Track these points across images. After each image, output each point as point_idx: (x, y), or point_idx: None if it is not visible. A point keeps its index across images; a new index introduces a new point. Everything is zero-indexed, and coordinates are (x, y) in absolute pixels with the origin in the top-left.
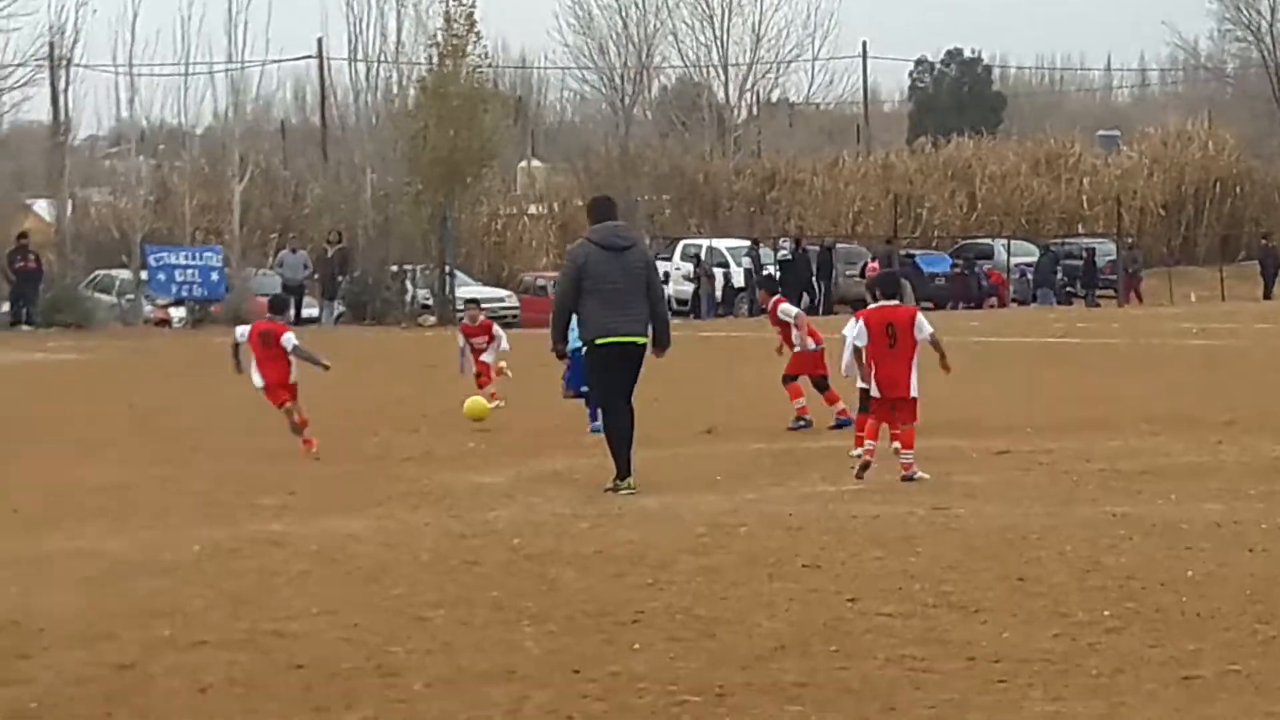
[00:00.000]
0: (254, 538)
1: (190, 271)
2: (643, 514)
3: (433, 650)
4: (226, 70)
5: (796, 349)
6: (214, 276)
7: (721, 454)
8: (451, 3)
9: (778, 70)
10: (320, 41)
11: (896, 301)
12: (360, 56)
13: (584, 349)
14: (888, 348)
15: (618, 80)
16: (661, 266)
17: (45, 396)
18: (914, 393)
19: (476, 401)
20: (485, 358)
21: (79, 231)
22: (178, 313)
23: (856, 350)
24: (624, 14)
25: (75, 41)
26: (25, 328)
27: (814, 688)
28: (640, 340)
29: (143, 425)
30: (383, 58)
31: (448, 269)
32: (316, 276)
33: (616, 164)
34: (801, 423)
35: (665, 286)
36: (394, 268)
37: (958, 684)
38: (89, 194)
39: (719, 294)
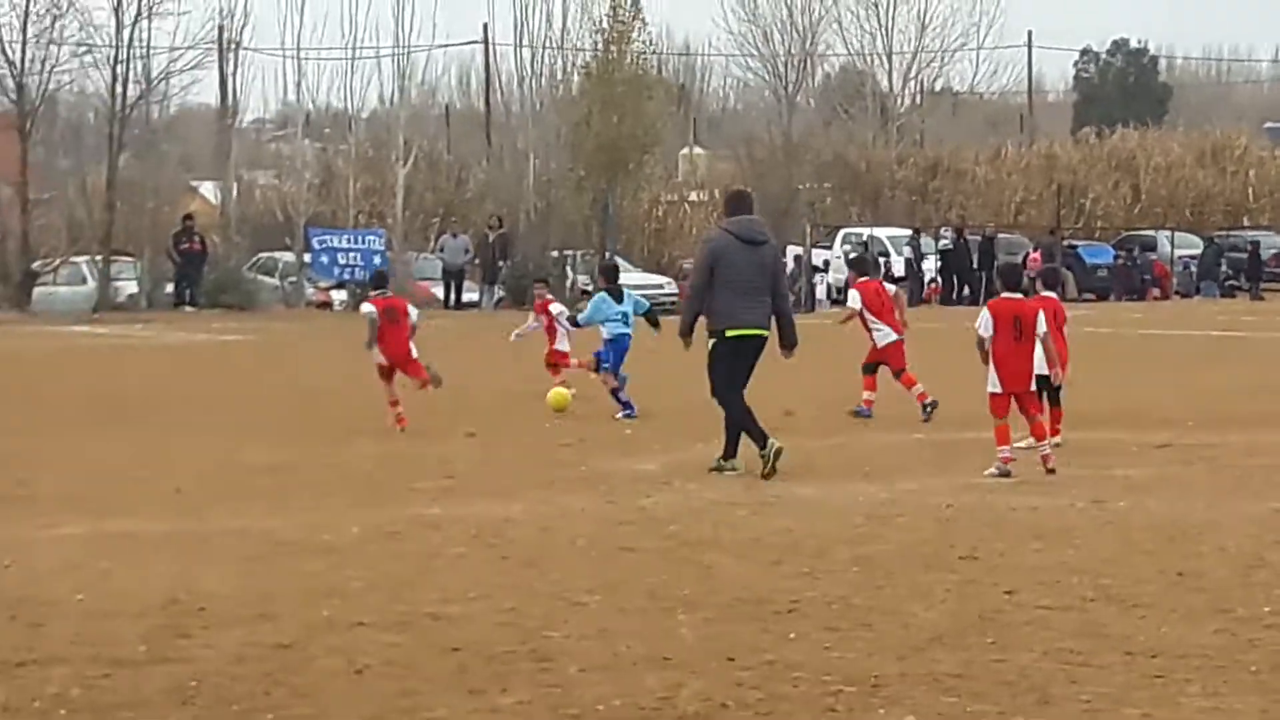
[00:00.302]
0: (413, 520)
1: (353, 255)
2: (799, 503)
3: (588, 636)
4: (393, 54)
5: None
6: (376, 260)
7: (880, 444)
8: None
9: (942, 59)
10: (486, 27)
11: (1020, 295)
12: (526, 42)
13: (710, 339)
14: (1014, 340)
15: (781, 68)
16: (821, 255)
17: (208, 377)
18: (1034, 386)
19: (558, 393)
20: (560, 345)
21: (244, 214)
22: (339, 295)
23: (980, 340)
24: (789, 1)
25: (244, 25)
26: (189, 309)
27: (969, 679)
28: (764, 333)
29: (304, 407)
30: (548, 43)
31: (608, 255)
32: (477, 261)
33: (779, 152)
34: (862, 411)
35: (825, 275)
36: (554, 253)
37: (1114, 678)
38: (254, 177)
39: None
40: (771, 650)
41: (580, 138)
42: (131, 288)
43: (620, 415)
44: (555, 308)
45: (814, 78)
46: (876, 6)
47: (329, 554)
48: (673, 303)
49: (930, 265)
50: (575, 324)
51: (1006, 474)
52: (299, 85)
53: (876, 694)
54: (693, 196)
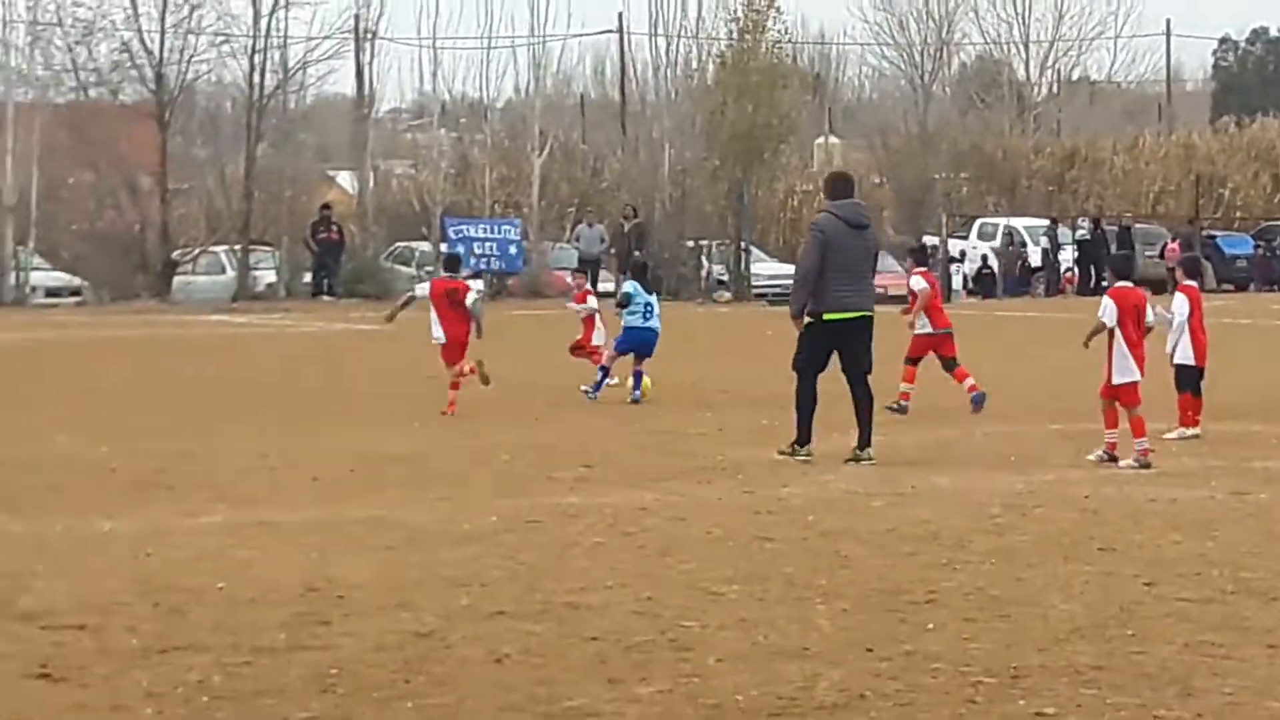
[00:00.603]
0: (550, 509)
1: (489, 244)
2: (937, 493)
3: (726, 625)
4: (528, 44)
5: (916, 330)
6: (512, 250)
7: (1017, 434)
8: None
9: (1079, 48)
10: (621, 16)
11: (1133, 284)
12: (661, 31)
13: (808, 321)
14: (1136, 328)
15: (917, 57)
16: (957, 244)
17: (345, 367)
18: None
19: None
20: (596, 339)
21: (380, 203)
22: (475, 285)
23: (1102, 326)
24: None
25: (380, 15)
26: (327, 298)
27: (1110, 671)
28: (868, 313)
29: (440, 395)
30: (683, 33)
31: (744, 245)
32: (613, 251)
33: (914, 141)
34: (896, 407)
35: (961, 265)
36: (690, 243)
37: (1257, 671)
38: (390, 166)
39: (1016, 272)
40: (910, 641)
41: (715, 127)
42: (270, 277)
43: (585, 389)
44: (593, 301)
45: (950, 67)
46: None
47: (467, 543)
48: None
49: (1067, 255)
50: (621, 305)
51: (1147, 465)
52: (435, 75)
53: (1016, 685)
54: None
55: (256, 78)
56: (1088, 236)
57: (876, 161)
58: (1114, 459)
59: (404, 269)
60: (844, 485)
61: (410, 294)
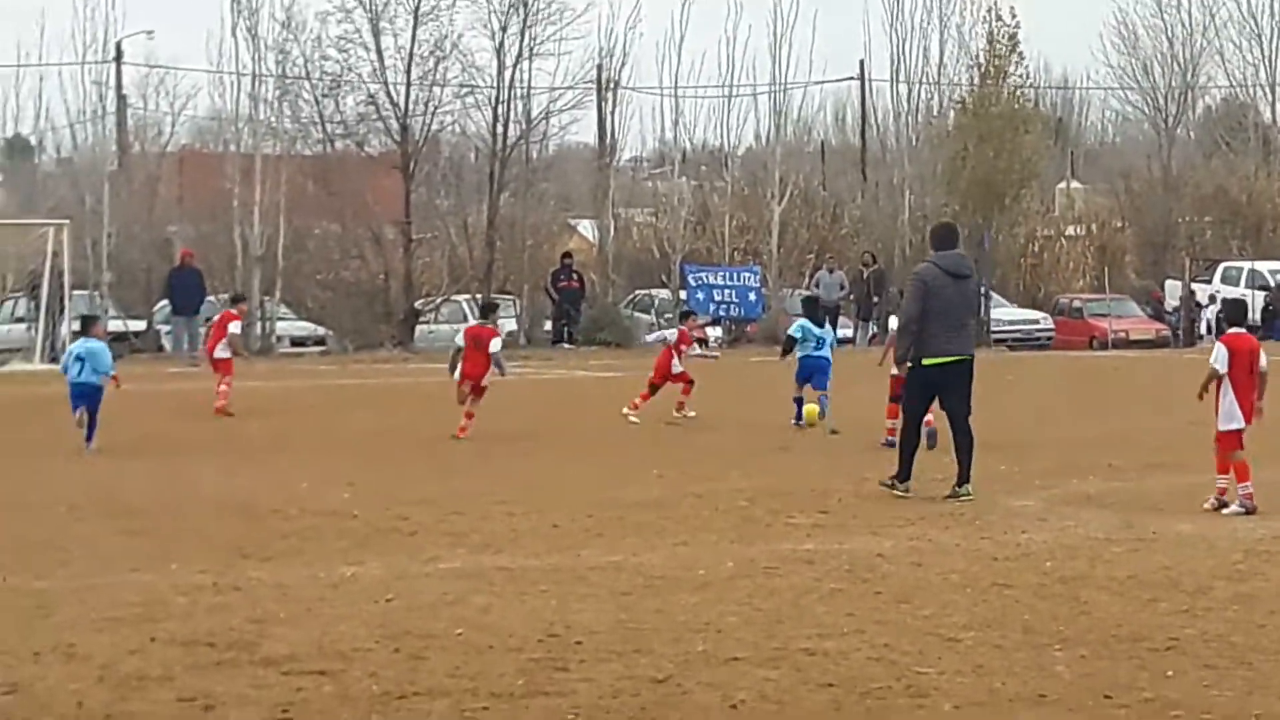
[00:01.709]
0: (786, 555)
1: (728, 291)
2: (1177, 540)
3: (963, 672)
4: (769, 91)
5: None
6: (751, 296)
7: (1261, 481)
8: (995, 23)
9: None
10: (862, 63)
11: (1245, 330)
12: (902, 78)
13: (911, 366)
14: (1248, 374)
15: (1161, 100)
16: (1203, 289)
17: (585, 413)
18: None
19: (810, 409)
20: (676, 369)
21: (620, 251)
22: (714, 332)
23: (1215, 375)
24: (1170, 33)
25: (623, 64)
26: (567, 345)
27: None
28: (967, 357)
29: (680, 442)
30: (924, 79)
31: (984, 290)
32: (852, 297)
33: (1158, 185)
34: (885, 441)
35: (1208, 309)
36: None
37: None
38: (631, 214)
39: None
40: (1149, 688)
41: (955, 172)
42: (511, 325)
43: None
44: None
45: (1194, 110)
46: (1260, 37)
47: (703, 589)
48: (1048, 338)
49: None
50: (785, 352)
51: (1252, 510)
52: (676, 123)
53: None
54: (1070, 231)
55: (500, 128)
56: None
57: (1119, 206)
58: (1224, 504)
59: (644, 316)
60: (1083, 531)
61: (457, 345)
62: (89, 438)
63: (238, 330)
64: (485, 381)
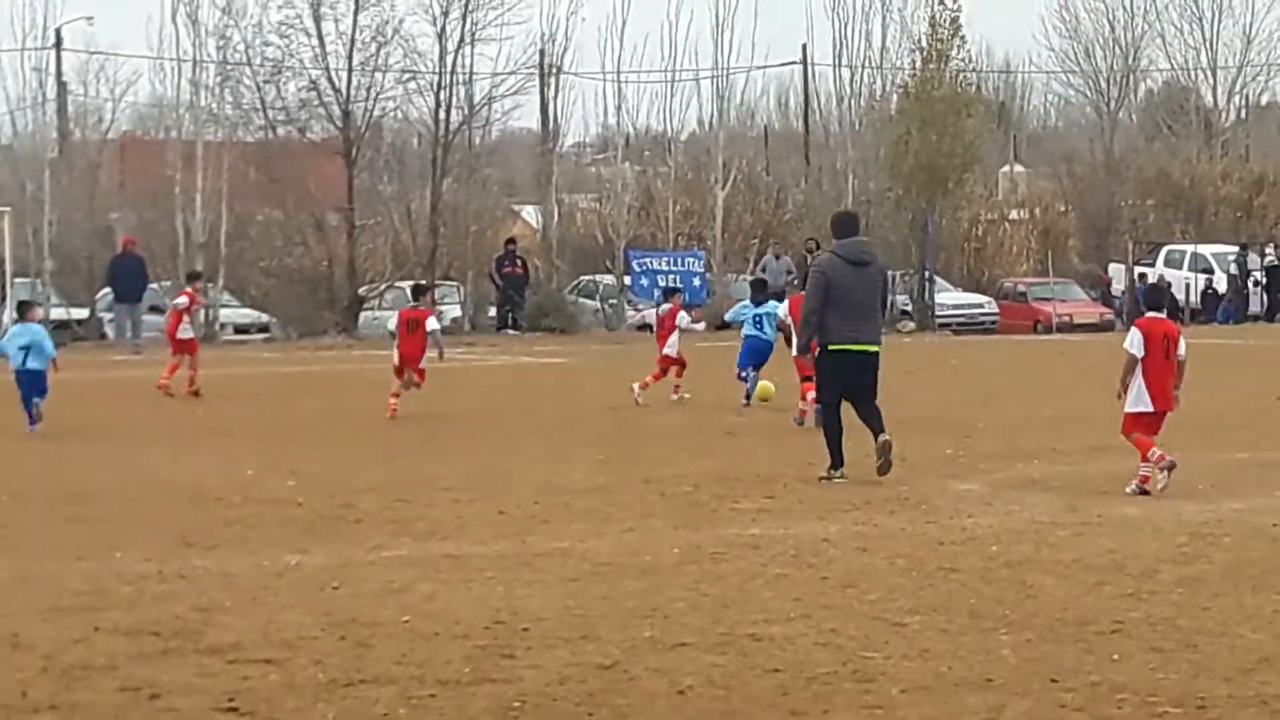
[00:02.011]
0: (733, 541)
1: (673, 277)
2: (1123, 522)
3: (909, 656)
4: (712, 76)
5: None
6: (696, 281)
7: (1205, 463)
8: (937, 7)
9: (1268, 73)
10: (805, 48)
11: (1164, 314)
12: (844, 62)
13: (817, 351)
14: (1164, 359)
15: (1103, 84)
16: (1142, 272)
17: (530, 400)
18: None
19: (764, 386)
20: (667, 350)
21: (564, 237)
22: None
23: (1131, 359)
24: (1111, 17)
25: (565, 50)
26: (512, 331)
27: None
28: (876, 348)
29: (625, 429)
30: (867, 63)
31: (928, 275)
32: (796, 282)
33: (1100, 169)
34: (795, 419)
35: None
36: None
37: None
38: (575, 200)
39: (1197, 300)
40: (1096, 671)
41: (899, 157)
42: (455, 311)
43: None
44: (682, 317)
45: (1136, 93)
46: (1201, 21)
47: (650, 575)
48: (993, 322)
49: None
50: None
51: (1145, 492)
52: (619, 108)
53: (1203, 716)
54: (1013, 215)
55: (442, 114)
56: (1277, 263)
57: (1062, 189)
58: (1146, 492)
59: (588, 302)
60: (1028, 515)
61: (390, 330)
62: (34, 420)
63: (182, 304)
64: (423, 364)
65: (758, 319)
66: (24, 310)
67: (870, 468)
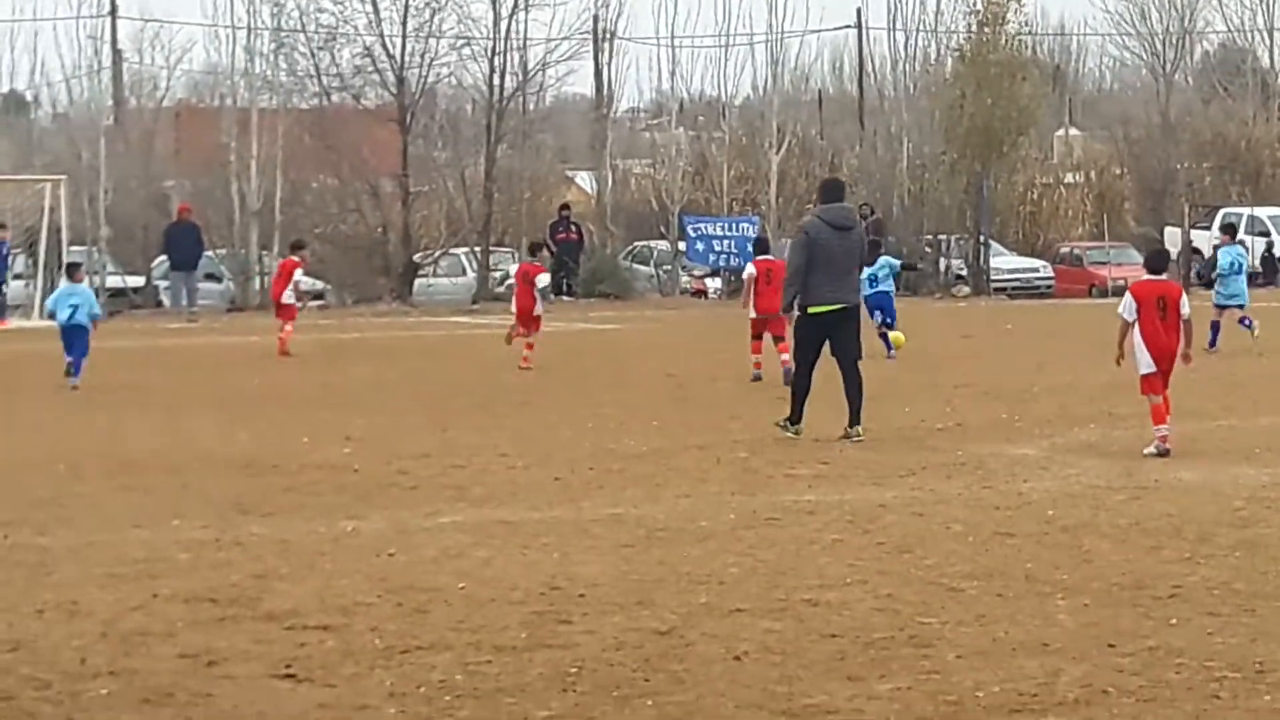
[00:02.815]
0: (789, 506)
1: (727, 241)
2: (1179, 486)
3: (965, 621)
4: (766, 41)
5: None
6: (750, 246)
7: (1262, 427)
8: None
9: None
10: (859, 11)
11: (1164, 276)
12: (899, 25)
13: (799, 314)
14: (1159, 319)
15: (1159, 46)
16: (1201, 235)
17: (584, 366)
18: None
19: (897, 335)
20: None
21: (619, 203)
22: (714, 283)
23: (1125, 324)
24: None
25: (619, 15)
26: (566, 298)
27: None
28: (851, 305)
29: (681, 394)
30: (922, 26)
31: (983, 239)
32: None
33: (1156, 131)
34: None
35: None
36: (928, 237)
37: None
38: (629, 166)
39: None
40: (1153, 636)
41: (953, 121)
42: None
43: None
44: (541, 278)
45: (1192, 56)
46: None
47: (706, 540)
48: (1048, 287)
49: None
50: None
51: (1165, 453)
52: (673, 74)
53: (1261, 680)
54: (1068, 179)
55: (496, 80)
56: None
57: (1117, 153)
58: (1166, 452)
59: (642, 268)
60: (1085, 479)
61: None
62: (76, 372)
63: (301, 278)
64: (536, 312)
65: (872, 278)
66: (72, 271)
67: (922, 431)
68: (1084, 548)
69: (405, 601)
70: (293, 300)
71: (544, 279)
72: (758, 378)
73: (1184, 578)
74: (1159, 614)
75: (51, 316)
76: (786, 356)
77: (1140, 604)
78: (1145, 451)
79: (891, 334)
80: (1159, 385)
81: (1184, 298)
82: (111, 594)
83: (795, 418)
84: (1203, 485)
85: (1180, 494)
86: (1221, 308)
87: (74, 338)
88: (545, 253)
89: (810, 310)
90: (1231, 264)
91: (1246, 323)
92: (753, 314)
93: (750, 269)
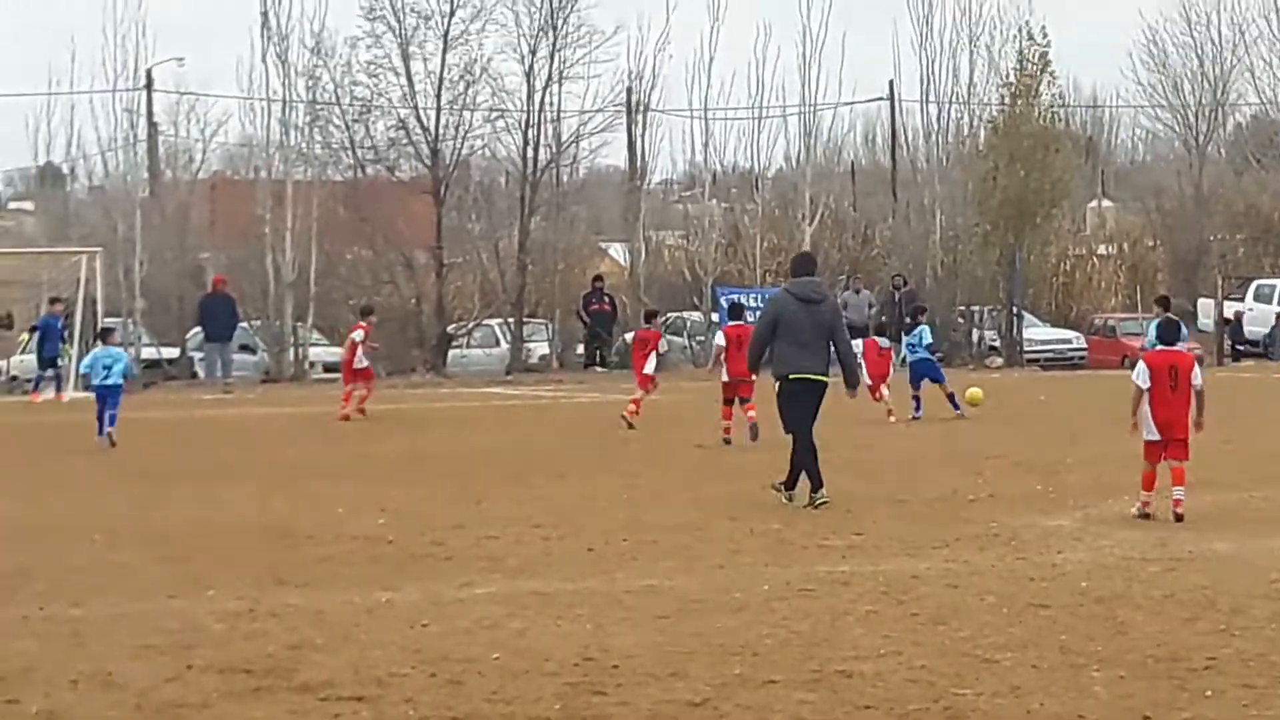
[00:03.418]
0: (822, 577)
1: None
2: (1214, 558)
3: (1000, 693)
4: (799, 113)
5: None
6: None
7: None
8: (1025, 42)
9: None
10: (891, 84)
11: (1178, 347)
12: (932, 98)
13: (776, 382)
14: (1169, 390)
15: (1192, 118)
16: (1233, 306)
17: (619, 437)
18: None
19: (974, 392)
20: (647, 369)
21: (652, 274)
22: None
23: (1139, 392)
24: (1199, 51)
25: (652, 87)
26: (599, 369)
27: None
28: (821, 378)
29: (714, 465)
30: (954, 98)
31: (1016, 310)
32: (884, 318)
33: (1189, 203)
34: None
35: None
36: (961, 308)
37: None
38: (662, 237)
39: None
40: (1188, 708)
41: (986, 192)
42: (543, 349)
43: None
44: (662, 344)
45: (1225, 127)
46: None
47: (739, 611)
48: (1081, 358)
49: None
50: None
51: (1146, 516)
52: (706, 145)
53: None
54: (1101, 250)
55: (530, 152)
56: None
57: (1150, 224)
58: (1147, 515)
59: (676, 339)
60: (1119, 550)
61: (719, 345)
62: (112, 424)
63: (359, 337)
64: (647, 371)
65: (911, 346)
66: (106, 335)
67: (955, 502)
68: (1118, 619)
69: (440, 672)
70: (365, 364)
71: (662, 344)
72: (727, 441)
73: (1219, 650)
74: (1194, 686)
75: (86, 378)
76: (753, 414)
77: (1175, 676)
78: (1130, 513)
79: (970, 391)
80: (1157, 454)
81: (1196, 368)
82: (146, 665)
83: (816, 484)
84: (1237, 557)
85: (1214, 565)
86: None
87: (109, 396)
88: (658, 321)
89: (791, 377)
90: None
91: None
92: (724, 378)
93: (720, 338)
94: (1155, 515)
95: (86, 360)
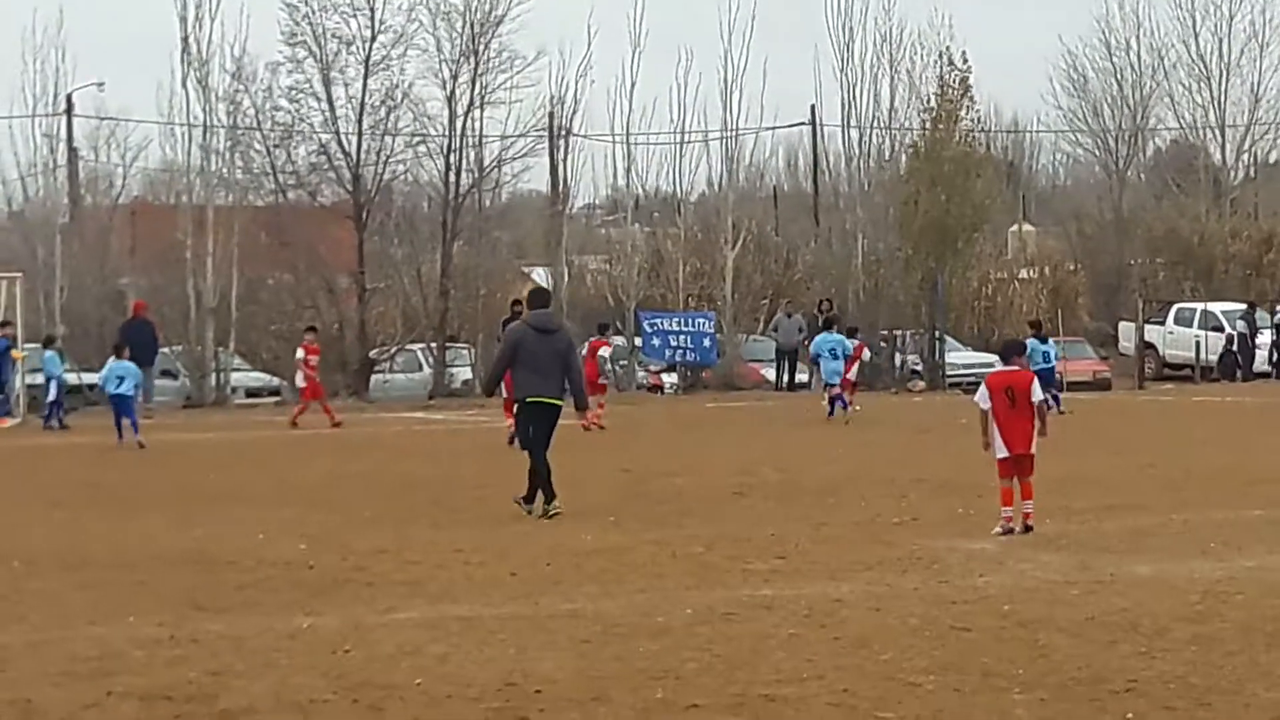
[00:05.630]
0: (745, 601)
1: (683, 337)
2: (1135, 581)
3: (923, 716)
4: (721, 138)
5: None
6: (706, 342)
7: (1217, 521)
8: (946, 68)
9: (1276, 131)
10: (813, 108)
11: (1016, 367)
12: (853, 123)
13: (515, 404)
14: (1009, 407)
15: (1112, 142)
16: (1154, 330)
17: None
18: (1034, 449)
19: None
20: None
21: (574, 298)
22: (670, 378)
23: (983, 413)
24: (1119, 76)
25: (574, 112)
26: None
27: None
28: (556, 402)
29: (637, 490)
30: (875, 123)
31: (938, 334)
32: (808, 341)
33: (1109, 227)
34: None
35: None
36: (884, 332)
37: None
38: (585, 261)
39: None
40: None
41: (908, 217)
42: (466, 374)
43: None
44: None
45: (1145, 152)
46: (1209, 79)
47: (662, 635)
48: None
49: (1265, 339)
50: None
51: (1010, 531)
52: (628, 170)
53: None
54: (1023, 274)
55: (452, 176)
56: None
57: (1071, 248)
58: (1010, 531)
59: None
60: (1041, 574)
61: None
62: (135, 431)
63: (300, 355)
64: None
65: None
66: (119, 350)
67: (879, 527)
68: (1040, 642)
69: (361, 698)
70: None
71: (604, 351)
72: (513, 439)
73: (1140, 672)
74: (1115, 708)
75: (102, 388)
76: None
77: (1097, 698)
78: (993, 532)
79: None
80: (1010, 470)
81: (1034, 384)
82: (65, 692)
83: (549, 496)
84: (1158, 579)
85: (1136, 588)
86: None
87: (123, 405)
88: (609, 332)
89: (527, 400)
90: None
91: None
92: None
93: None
94: (1017, 530)
95: (103, 373)
